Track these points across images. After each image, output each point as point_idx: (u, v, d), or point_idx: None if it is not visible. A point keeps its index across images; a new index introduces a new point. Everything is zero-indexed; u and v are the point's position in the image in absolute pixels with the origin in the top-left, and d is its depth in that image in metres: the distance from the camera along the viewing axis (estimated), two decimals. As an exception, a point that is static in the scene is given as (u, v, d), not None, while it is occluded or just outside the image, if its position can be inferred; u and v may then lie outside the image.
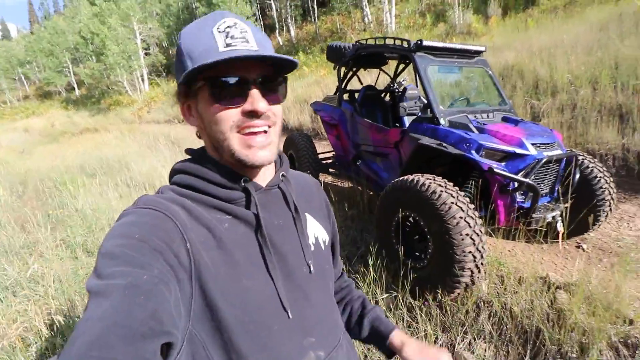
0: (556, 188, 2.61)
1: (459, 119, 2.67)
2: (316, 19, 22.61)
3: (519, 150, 2.31)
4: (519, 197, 2.38)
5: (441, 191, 2.10)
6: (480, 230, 2.03)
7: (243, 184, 0.60)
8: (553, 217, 2.44)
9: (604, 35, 6.55)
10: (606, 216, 2.89)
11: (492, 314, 2.15)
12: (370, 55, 3.74)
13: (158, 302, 0.43)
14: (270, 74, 0.59)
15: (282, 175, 0.68)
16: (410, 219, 2.32)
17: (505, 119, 2.90)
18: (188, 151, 0.65)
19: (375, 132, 3.32)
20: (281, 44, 24.14)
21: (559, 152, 2.43)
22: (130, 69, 23.87)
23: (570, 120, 4.87)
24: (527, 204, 2.40)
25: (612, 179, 2.87)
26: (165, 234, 0.50)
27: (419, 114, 2.76)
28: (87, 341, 0.37)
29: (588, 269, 2.75)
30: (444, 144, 2.46)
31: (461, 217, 1.99)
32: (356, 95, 4.05)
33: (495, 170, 2.22)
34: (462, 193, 2.17)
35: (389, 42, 3.13)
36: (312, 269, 0.66)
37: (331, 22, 21.23)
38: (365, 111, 3.88)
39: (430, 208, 2.12)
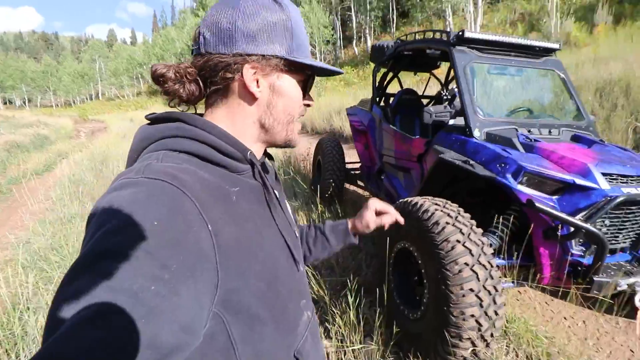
0: (643, 242, 1.77)
1: (502, 132, 2.02)
2: (394, 29, 22.03)
3: (580, 181, 1.60)
4: (575, 249, 1.65)
5: (446, 222, 1.54)
6: (495, 288, 1.41)
7: (249, 157, 0.58)
8: (630, 286, 1.64)
9: None
10: None
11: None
12: (414, 55, 3.22)
13: (161, 324, 0.37)
14: None
15: (265, 152, 0.70)
16: (411, 252, 1.78)
17: (575, 139, 2.13)
18: (172, 116, 0.56)
19: (400, 141, 2.78)
20: (357, 53, 24.06)
21: (650, 190, 1.63)
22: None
23: (696, 152, 3.57)
24: (587, 260, 1.66)
25: None
26: (184, 218, 0.44)
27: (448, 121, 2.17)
28: None
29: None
30: (471, 162, 1.86)
31: (466, 264, 1.41)
32: (392, 100, 3.51)
33: (538, 205, 1.56)
34: (480, 231, 1.56)
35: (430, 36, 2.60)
36: (297, 233, 0.71)
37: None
38: (399, 118, 3.35)
39: (428, 242, 1.58)
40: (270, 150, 0.73)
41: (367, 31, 23.64)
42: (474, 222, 1.60)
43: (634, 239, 1.75)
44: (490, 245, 1.85)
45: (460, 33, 2.23)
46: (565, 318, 2.34)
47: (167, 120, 0.56)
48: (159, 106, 36.62)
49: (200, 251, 0.44)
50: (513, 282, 1.89)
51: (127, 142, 14.07)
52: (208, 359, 0.48)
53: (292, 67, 0.60)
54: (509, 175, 1.69)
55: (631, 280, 1.64)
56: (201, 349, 0.45)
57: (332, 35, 21.87)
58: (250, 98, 0.59)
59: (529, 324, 1.92)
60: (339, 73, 0.65)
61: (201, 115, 0.62)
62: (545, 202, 1.63)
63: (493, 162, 1.78)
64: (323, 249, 0.89)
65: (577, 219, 1.53)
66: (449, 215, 1.60)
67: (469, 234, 1.51)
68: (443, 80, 3.65)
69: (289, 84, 0.61)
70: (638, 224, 1.73)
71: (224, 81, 0.57)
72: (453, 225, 1.54)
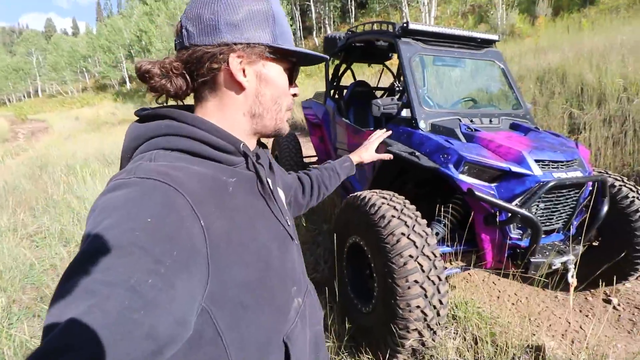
0: (573, 223, 1.91)
1: (445, 122, 2.07)
2: (353, 20, 22.12)
3: (515, 168, 1.68)
4: (513, 233, 1.74)
5: (391, 216, 1.54)
6: (439, 277, 1.44)
7: (242, 149, 0.58)
8: (563, 264, 1.76)
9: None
10: (650, 265, 2.12)
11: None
12: (366, 47, 3.20)
13: (158, 315, 0.38)
14: None
15: (258, 141, 0.71)
16: (362, 247, 1.78)
17: (514, 127, 2.23)
18: (165, 112, 0.56)
19: (352, 134, 2.78)
20: (317, 44, 23.87)
21: (578, 174, 1.75)
22: (171, 66, 24.85)
23: (619, 135, 3.94)
24: (524, 243, 1.75)
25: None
26: (177, 215, 0.44)
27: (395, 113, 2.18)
28: None
29: (610, 335, 2.01)
30: (417, 154, 1.88)
31: (411, 257, 1.43)
32: (345, 92, 3.49)
33: (477, 193, 1.61)
34: (424, 222, 1.59)
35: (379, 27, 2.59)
36: (288, 222, 0.68)
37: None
38: (353, 111, 3.34)
39: (375, 236, 1.58)
40: None
41: (326, 21, 23.51)
42: (418, 213, 1.62)
43: (565, 219, 1.88)
44: (437, 234, 1.89)
45: (405, 25, 2.23)
46: (509, 296, 2.49)
47: (156, 117, 0.56)
48: (108, 102, 34.06)
49: (193, 247, 0.45)
50: (459, 268, 1.96)
51: (71, 143, 12.99)
52: (197, 351, 0.48)
53: (278, 55, 0.60)
54: (451, 166, 1.73)
55: (564, 258, 1.76)
56: (190, 340, 0.45)
57: (291, 25, 21.51)
58: (238, 88, 0.59)
59: (475, 306, 2.01)
60: (323, 59, 0.66)
61: (191, 108, 0.61)
62: (484, 190, 1.69)
63: (436, 153, 1.81)
64: (335, 183, 1.11)
65: (513, 205, 1.60)
66: (394, 208, 1.60)
67: (414, 225, 1.52)
68: (395, 72, 3.68)
69: (276, 72, 0.61)
70: (569, 206, 1.85)
71: (210, 72, 0.56)
72: (398, 218, 1.55)
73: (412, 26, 2.22)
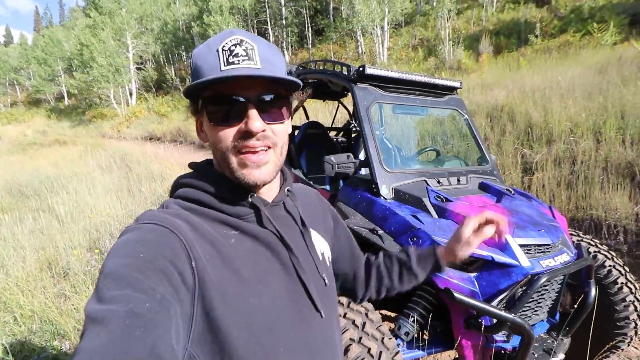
0: (558, 308, 1.63)
1: (411, 187, 1.73)
2: (311, 45, 22.47)
3: (499, 257, 1.36)
4: (498, 335, 1.40)
5: (350, 340, 1.12)
6: None
7: (250, 200, 0.58)
8: (554, 366, 1.45)
9: (603, 79, 5.87)
10: (629, 342, 1.92)
11: None
12: (319, 83, 2.87)
13: (158, 335, 0.40)
14: (271, 92, 0.58)
15: (287, 190, 0.67)
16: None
17: (483, 187, 1.97)
18: (192, 165, 0.65)
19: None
20: (275, 67, 23.75)
21: (565, 257, 1.48)
22: (116, 83, 23.16)
23: (570, 176, 3.99)
24: (510, 345, 1.41)
25: (638, 287, 1.93)
26: (171, 252, 0.48)
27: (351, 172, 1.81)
28: None
29: None
30: (380, 232, 1.50)
31: None
32: (296, 134, 3.10)
33: (458, 296, 1.25)
34: (392, 345, 1.19)
35: (333, 67, 2.26)
36: (326, 281, 0.65)
37: (326, 51, 21.03)
38: (306, 155, 2.96)
39: None
40: None
41: (284, 46, 23.63)
42: (384, 329, 1.23)
43: (551, 307, 1.59)
44: (406, 334, 1.50)
45: (361, 69, 1.91)
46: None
47: (191, 167, 0.65)
48: (40, 119, 30.75)
49: (184, 282, 0.47)
50: (435, 372, 1.58)
51: (-14, 168, 11.16)
52: None
53: (196, 102, 0.59)
54: (422, 254, 1.36)
55: (554, 359, 1.45)
56: None
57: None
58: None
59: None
60: (234, 77, 0.54)
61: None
62: (464, 284, 1.34)
63: (404, 234, 1.45)
64: (409, 282, 0.85)
65: (502, 311, 1.25)
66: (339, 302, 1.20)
67: (364, 324, 1.13)
68: (352, 110, 3.40)
69: (205, 121, 0.59)
70: (554, 292, 1.57)
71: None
72: (344, 316, 1.16)
73: (369, 71, 1.91)
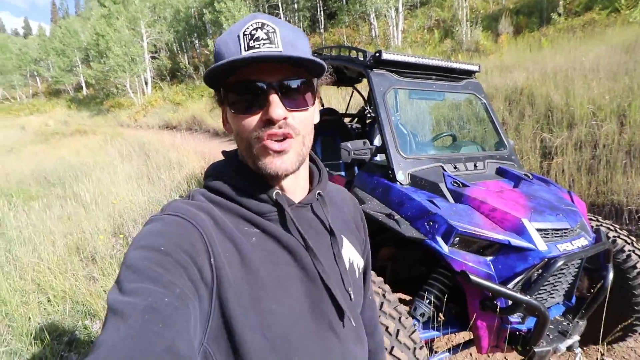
0: (575, 292, 1.64)
1: (427, 173, 1.75)
2: (323, 30, 22.06)
3: (515, 241, 1.37)
4: (513, 317, 1.43)
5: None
6: None
7: (275, 197, 0.56)
8: (568, 349, 1.48)
9: (630, 59, 5.58)
10: (647, 326, 1.91)
11: None
12: (333, 69, 2.86)
13: (176, 331, 0.40)
14: (294, 77, 0.54)
15: (318, 194, 0.63)
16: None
17: (501, 172, 1.97)
18: (224, 153, 0.64)
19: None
20: (287, 53, 23.49)
21: (583, 242, 1.48)
22: (132, 72, 23.48)
23: (591, 161, 3.88)
24: (525, 326, 1.45)
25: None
26: (191, 247, 0.48)
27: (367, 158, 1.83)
28: None
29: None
30: (397, 217, 1.54)
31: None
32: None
33: (474, 278, 1.28)
34: (409, 324, 1.24)
35: (348, 52, 2.25)
36: (352, 296, 0.61)
37: (339, 35, 20.61)
38: (321, 141, 2.99)
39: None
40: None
41: (296, 31, 23.29)
42: (402, 309, 1.28)
43: (567, 290, 1.61)
44: (422, 314, 1.55)
45: (378, 54, 1.91)
46: None
47: (223, 156, 0.65)
48: (61, 109, 31.60)
49: (203, 278, 0.47)
50: (448, 351, 1.63)
51: (13, 159, 11.68)
52: None
53: (216, 86, 0.57)
54: (439, 238, 1.40)
55: (569, 342, 1.48)
56: None
57: (260, 34, 20.99)
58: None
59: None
60: (266, 59, 0.51)
61: None
62: (480, 268, 1.37)
63: (420, 219, 1.48)
64: None
65: (518, 293, 1.28)
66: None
67: (397, 332, 1.18)
68: (366, 96, 3.38)
69: (228, 111, 0.57)
70: (571, 275, 1.58)
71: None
72: (379, 317, 1.19)
73: (385, 56, 1.91)
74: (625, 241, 1.95)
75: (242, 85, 0.53)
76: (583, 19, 9.75)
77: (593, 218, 2.10)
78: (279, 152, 0.53)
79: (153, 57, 26.94)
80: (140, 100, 23.77)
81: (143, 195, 5.24)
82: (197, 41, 27.50)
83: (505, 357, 2.17)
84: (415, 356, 1.19)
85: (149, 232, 0.49)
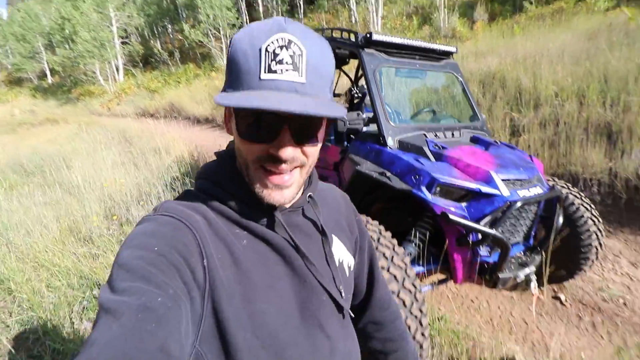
0: (532, 234, 2.00)
1: (412, 139, 2.03)
2: (302, 15, 21.86)
3: (485, 189, 1.69)
4: (482, 250, 1.75)
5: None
6: (414, 285, 1.40)
7: (266, 203, 0.55)
8: (526, 276, 1.83)
9: (592, 45, 6.09)
10: (591, 265, 2.32)
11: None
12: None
13: (169, 331, 0.40)
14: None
15: (309, 196, 0.63)
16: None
17: (474, 140, 2.28)
18: (217, 154, 0.63)
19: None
20: (266, 39, 23.12)
21: (539, 190, 1.82)
22: (102, 58, 22.46)
23: (553, 137, 4.33)
24: (492, 259, 1.78)
25: (600, 220, 2.30)
26: (184, 248, 0.48)
27: (362, 128, 2.10)
28: None
29: (566, 337, 2.17)
30: (388, 174, 1.82)
31: (382, 268, 1.35)
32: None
33: (451, 217, 1.58)
34: (401, 251, 1.52)
35: (339, 35, 2.47)
36: (342, 294, 0.62)
37: (318, 20, 20.51)
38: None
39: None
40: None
41: (274, 16, 22.95)
42: (394, 242, 1.56)
43: (526, 232, 1.95)
44: (409, 254, 1.85)
45: (369, 35, 2.14)
46: (472, 301, 2.58)
47: (216, 156, 0.63)
48: (25, 98, 29.76)
49: (195, 280, 0.47)
50: (431, 285, 1.95)
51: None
52: None
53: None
54: (423, 188, 1.69)
55: (526, 271, 1.83)
56: None
57: (237, 18, 20.57)
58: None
59: (448, 323, 2.02)
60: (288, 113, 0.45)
61: None
62: (456, 211, 1.68)
63: (408, 174, 1.76)
64: None
65: (486, 228, 1.60)
66: (371, 237, 1.52)
67: (392, 257, 1.45)
68: (353, 77, 3.61)
69: (233, 127, 0.54)
70: (529, 219, 1.92)
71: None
72: (377, 249, 1.47)
73: (375, 37, 2.15)
74: (575, 196, 2.32)
75: (254, 113, 0.49)
76: (552, 7, 10.30)
77: (550, 179, 2.47)
78: (279, 187, 0.53)
79: (124, 43, 25.81)
80: (112, 87, 22.85)
81: (132, 179, 5.29)
82: (169, 26, 26.53)
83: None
84: (407, 274, 1.46)
85: (142, 232, 0.49)
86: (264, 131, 0.50)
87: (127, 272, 0.43)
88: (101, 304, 0.40)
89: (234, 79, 0.50)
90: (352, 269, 0.70)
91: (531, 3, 10.65)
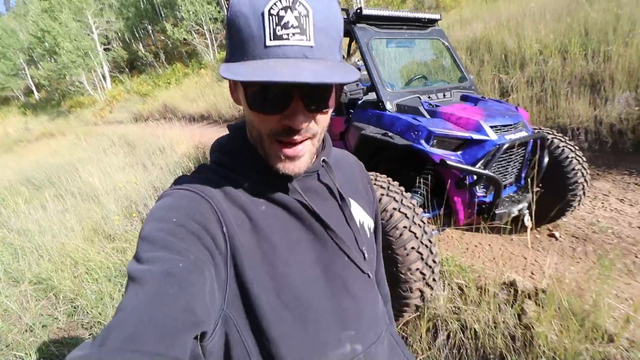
0: (523, 175, 2.25)
1: (408, 101, 2.25)
2: None
3: (476, 136, 1.92)
4: (479, 191, 2.00)
5: (380, 194, 1.69)
6: (430, 241, 1.64)
7: (281, 170, 0.54)
8: (519, 211, 2.08)
9: (572, 1, 6.23)
10: (579, 201, 2.57)
11: (450, 334, 1.80)
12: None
13: (192, 293, 0.42)
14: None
15: (323, 160, 0.62)
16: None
17: (464, 98, 2.50)
18: (229, 127, 0.63)
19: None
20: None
21: (523, 133, 2.05)
22: (88, 67, 22.28)
23: (540, 93, 4.54)
24: (489, 198, 2.03)
25: (584, 159, 2.55)
26: (202, 217, 0.49)
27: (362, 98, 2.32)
28: (122, 336, 0.37)
29: (559, 263, 2.45)
30: (390, 134, 2.05)
31: (405, 227, 1.60)
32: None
33: (449, 163, 1.82)
34: (409, 195, 1.77)
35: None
36: (365, 255, 0.63)
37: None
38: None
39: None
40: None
41: (255, 6, 22.58)
42: (402, 188, 1.80)
43: (516, 174, 2.20)
44: (417, 202, 2.10)
45: (359, 10, 2.33)
46: (476, 246, 2.85)
47: (228, 129, 0.64)
48: (15, 117, 29.53)
49: (217, 246, 0.49)
50: (437, 230, 2.21)
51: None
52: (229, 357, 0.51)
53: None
54: (422, 141, 1.92)
55: (520, 206, 2.08)
56: (221, 349, 0.50)
57: (219, 12, 20.34)
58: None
59: (455, 261, 2.29)
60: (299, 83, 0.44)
61: None
62: (453, 158, 1.91)
63: (408, 131, 1.99)
64: None
65: (479, 169, 1.84)
66: (381, 187, 1.76)
67: (402, 200, 1.69)
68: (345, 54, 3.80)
69: (242, 100, 0.52)
70: (518, 162, 2.16)
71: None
72: (387, 195, 1.70)
73: (365, 12, 2.34)
74: (560, 140, 2.56)
75: (261, 89, 0.48)
76: (531, -33, 10.34)
77: (536, 127, 2.70)
78: (293, 158, 0.52)
79: (106, 49, 25.52)
80: (102, 96, 22.76)
81: (147, 176, 5.50)
82: (150, 27, 26.19)
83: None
84: (424, 231, 1.70)
85: (161, 206, 0.51)
86: (275, 101, 0.48)
87: (150, 243, 0.45)
88: (128, 274, 0.43)
89: (237, 47, 0.47)
90: (372, 230, 0.71)
91: (511, -35, 10.64)
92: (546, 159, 2.19)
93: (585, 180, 2.50)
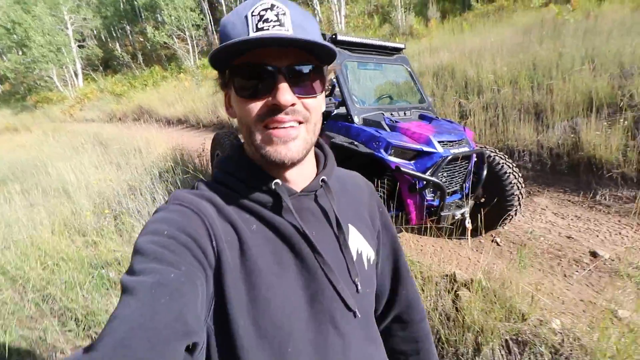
0: (466, 185, 2.64)
1: (373, 116, 2.60)
2: (267, 15, 22.08)
3: (426, 148, 2.28)
4: (428, 196, 2.35)
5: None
6: None
7: (273, 187, 0.55)
8: (461, 214, 2.46)
9: (526, 39, 7.03)
10: (516, 211, 3.00)
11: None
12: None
13: (183, 303, 0.42)
14: (304, 62, 0.52)
15: (322, 180, 0.60)
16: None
17: (421, 117, 2.90)
18: (230, 146, 0.62)
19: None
20: (232, 39, 23.07)
21: (465, 149, 2.45)
22: (59, 63, 21.51)
23: (493, 118, 5.12)
24: (436, 202, 2.39)
25: (520, 175, 2.99)
26: (193, 230, 0.50)
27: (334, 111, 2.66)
28: (112, 343, 0.37)
29: (495, 263, 2.84)
30: (356, 143, 2.37)
31: None
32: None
33: (403, 169, 2.16)
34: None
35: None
36: (359, 287, 0.59)
37: (283, 19, 20.79)
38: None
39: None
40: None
41: (239, 16, 22.92)
42: None
43: (460, 183, 2.59)
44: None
45: (334, 36, 2.69)
46: (429, 248, 3.22)
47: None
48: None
49: (207, 259, 0.49)
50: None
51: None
52: None
53: (221, 68, 0.55)
54: (382, 150, 2.26)
55: (462, 210, 2.46)
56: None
57: (202, 19, 20.49)
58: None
59: (408, 257, 2.62)
60: (268, 40, 0.48)
61: None
62: (407, 166, 2.26)
63: (370, 141, 2.32)
64: None
65: (427, 176, 2.19)
66: None
67: None
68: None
69: (233, 94, 0.55)
70: (462, 173, 2.56)
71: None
72: None
73: (340, 37, 2.69)
74: (501, 158, 3.00)
75: (249, 68, 0.51)
76: (495, 4, 11.44)
77: (481, 145, 3.15)
78: (284, 141, 0.52)
79: (81, 46, 24.78)
80: (72, 93, 21.95)
81: (120, 175, 5.50)
82: (128, 28, 25.80)
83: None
84: None
85: (154, 220, 0.51)
86: (261, 84, 0.51)
87: (142, 255, 0.46)
88: (121, 286, 0.43)
89: (222, 40, 0.51)
90: (371, 262, 0.65)
91: (477, 1, 11.75)
92: (485, 172, 2.60)
93: (520, 193, 2.93)
